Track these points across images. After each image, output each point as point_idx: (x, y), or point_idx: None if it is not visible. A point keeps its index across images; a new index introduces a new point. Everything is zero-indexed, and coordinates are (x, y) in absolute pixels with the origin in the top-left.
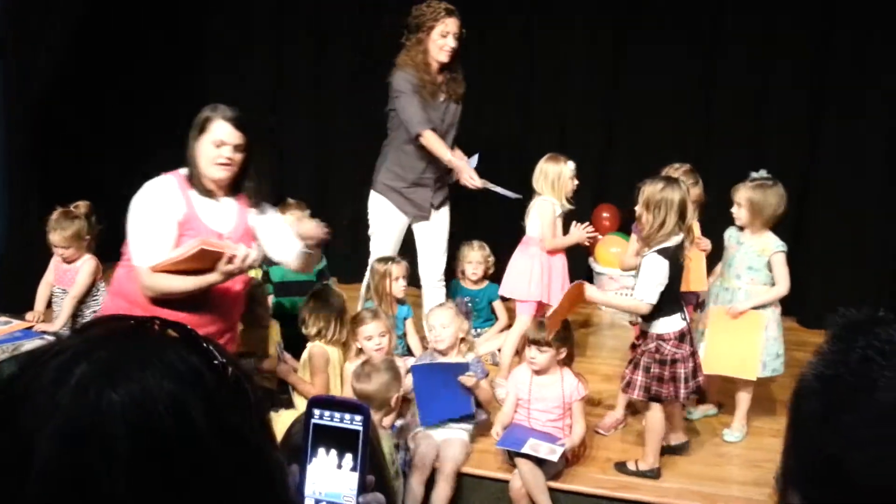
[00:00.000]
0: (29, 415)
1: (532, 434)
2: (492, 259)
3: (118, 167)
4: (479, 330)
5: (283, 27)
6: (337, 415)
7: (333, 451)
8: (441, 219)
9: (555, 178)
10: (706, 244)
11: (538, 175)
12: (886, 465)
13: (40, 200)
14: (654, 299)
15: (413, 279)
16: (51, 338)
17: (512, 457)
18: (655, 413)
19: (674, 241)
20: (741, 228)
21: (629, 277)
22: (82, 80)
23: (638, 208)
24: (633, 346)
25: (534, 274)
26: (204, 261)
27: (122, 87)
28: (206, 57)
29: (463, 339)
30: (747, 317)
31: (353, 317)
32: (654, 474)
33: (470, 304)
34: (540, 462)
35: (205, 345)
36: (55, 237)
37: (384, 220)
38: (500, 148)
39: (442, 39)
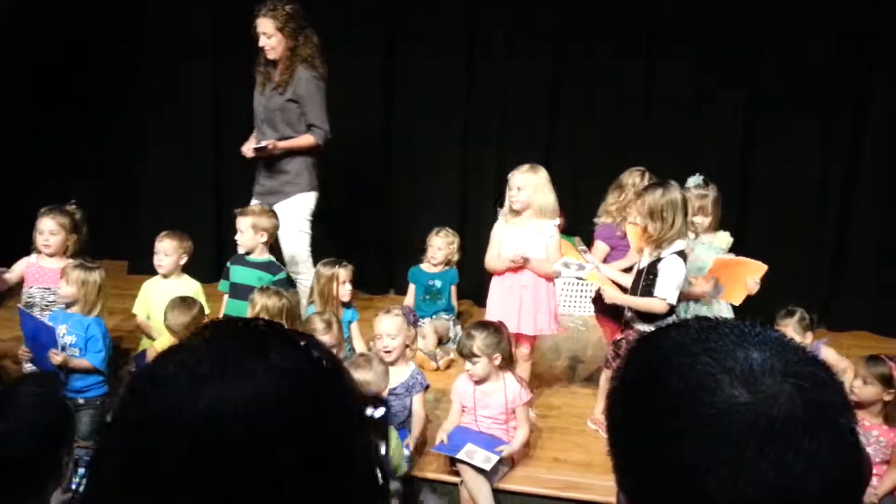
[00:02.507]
0: (160, 423)
1: (472, 438)
2: (454, 247)
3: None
4: (427, 320)
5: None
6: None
7: None
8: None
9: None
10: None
11: None
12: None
13: None
14: (674, 300)
15: (358, 282)
16: None
17: (453, 462)
18: None
19: (683, 243)
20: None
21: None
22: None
23: (640, 220)
24: (617, 344)
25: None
26: None
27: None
28: (148, 57)
29: (408, 346)
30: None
31: (305, 320)
32: None
33: (415, 313)
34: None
35: (302, 343)
36: (45, 222)
37: None
38: (442, 157)
39: (256, 36)
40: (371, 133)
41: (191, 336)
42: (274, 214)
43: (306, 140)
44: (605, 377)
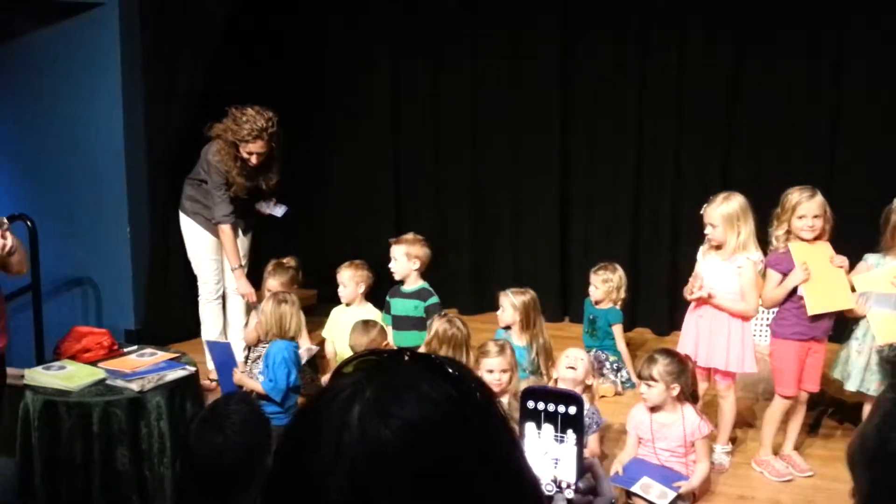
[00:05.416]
0: (320, 456)
1: (648, 471)
2: (611, 285)
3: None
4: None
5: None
6: (551, 404)
7: (547, 436)
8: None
9: None
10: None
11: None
12: None
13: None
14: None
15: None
16: (192, 368)
17: (629, 495)
18: None
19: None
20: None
21: None
22: (220, 97)
23: None
24: None
25: None
26: None
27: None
28: (329, 65)
29: (589, 386)
30: None
31: (479, 347)
32: None
33: (604, 356)
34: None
35: (450, 370)
36: (273, 282)
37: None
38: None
39: (247, 155)
40: (550, 166)
41: (348, 368)
42: (426, 243)
43: None
44: (780, 408)
